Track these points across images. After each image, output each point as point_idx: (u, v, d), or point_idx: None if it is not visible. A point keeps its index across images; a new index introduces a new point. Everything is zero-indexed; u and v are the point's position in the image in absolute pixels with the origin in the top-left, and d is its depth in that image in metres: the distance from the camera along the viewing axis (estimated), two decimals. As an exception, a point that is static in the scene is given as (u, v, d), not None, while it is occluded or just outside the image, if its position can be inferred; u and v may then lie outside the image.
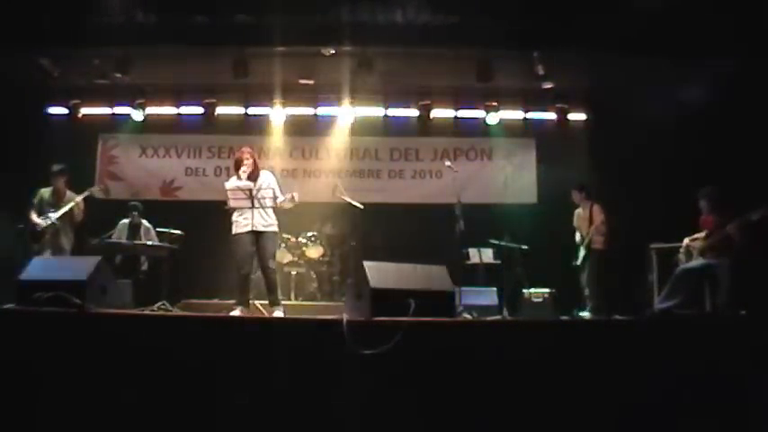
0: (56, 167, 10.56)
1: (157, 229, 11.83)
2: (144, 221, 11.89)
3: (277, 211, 9.11)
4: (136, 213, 11.88)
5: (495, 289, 11.60)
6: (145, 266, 11.62)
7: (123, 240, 11.54)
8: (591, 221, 11.23)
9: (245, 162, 8.92)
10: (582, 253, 11.29)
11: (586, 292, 11.09)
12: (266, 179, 9.02)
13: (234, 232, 8.90)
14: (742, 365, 5.92)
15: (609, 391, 5.77)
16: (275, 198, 8.92)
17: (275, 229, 9.02)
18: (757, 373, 5.87)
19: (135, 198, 12.73)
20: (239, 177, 8.90)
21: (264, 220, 8.83)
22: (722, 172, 10.36)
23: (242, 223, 8.81)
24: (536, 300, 11.51)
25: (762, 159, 10.35)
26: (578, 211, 11.54)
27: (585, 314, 10.63)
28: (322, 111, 14.50)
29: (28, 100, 13.34)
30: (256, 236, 8.81)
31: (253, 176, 8.91)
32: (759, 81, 10.36)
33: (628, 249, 11.32)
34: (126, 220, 11.85)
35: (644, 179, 12.19)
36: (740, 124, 10.92)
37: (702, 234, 9.25)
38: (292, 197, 8.97)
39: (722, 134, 11.07)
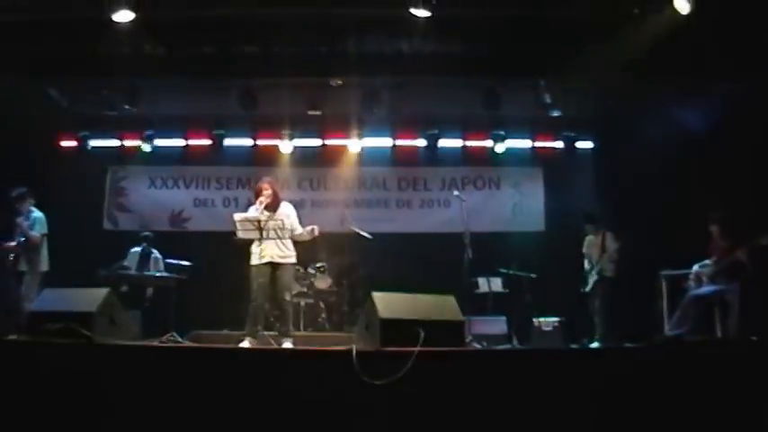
0: (15, 192, 10.13)
1: (166, 260, 11.87)
2: (155, 251, 11.98)
3: (294, 241, 9.11)
4: (147, 243, 11.94)
5: (504, 318, 11.59)
6: (150, 295, 11.64)
7: (132, 271, 11.60)
8: (603, 249, 11.21)
9: (264, 193, 8.92)
10: (592, 280, 11.26)
11: (597, 320, 11.04)
12: (285, 210, 9.04)
13: (251, 263, 8.89)
14: (755, 391, 5.89)
15: (620, 420, 5.74)
16: (291, 230, 8.92)
17: (293, 260, 9.04)
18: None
19: (144, 229, 12.76)
20: (258, 207, 8.91)
21: (282, 252, 8.83)
22: (730, 197, 10.34)
23: (259, 254, 8.81)
24: (546, 328, 11.46)
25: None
26: (590, 237, 11.52)
27: (595, 345, 10.58)
28: (330, 141, 14.56)
29: (37, 132, 13.40)
30: (273, 267, 8.80)
31: (271, 208, 8.92)
32: (765, 104, 10.35)
33: (637, 276, 11.28)
34: (137, 249, 11.95)
35: (652, 206, 12.16)
36: (747, 148, 10.90)
37: (712, 260, 9.23)
38: (312, 230, 9.01)
39: (730, 159, 11.05)
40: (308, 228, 9.02)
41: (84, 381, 5.73)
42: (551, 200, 14.37)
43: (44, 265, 10.08)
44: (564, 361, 6.42)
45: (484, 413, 5.66)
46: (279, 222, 8.79)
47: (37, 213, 10.12)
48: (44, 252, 10.11)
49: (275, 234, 8.76)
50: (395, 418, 5.55)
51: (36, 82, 11.50)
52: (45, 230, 10.11)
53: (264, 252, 8.76)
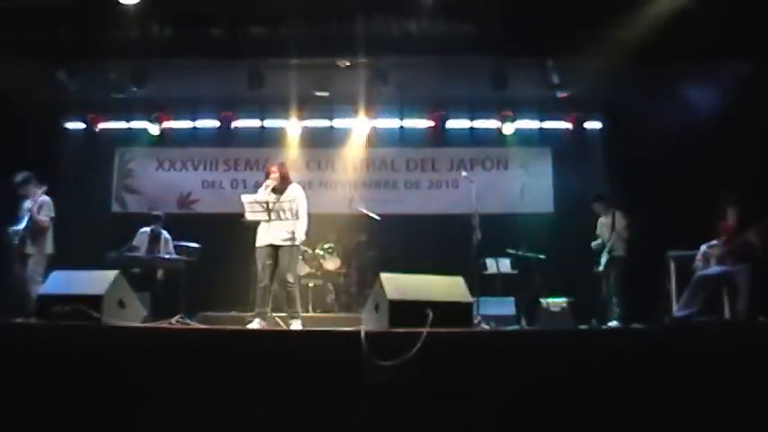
0: (18, 177, 10.05)
1: (175, 242, 11.90)
2: (164, 232, 11.98)
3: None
4: (158, 223, 11.96)
5: (512, 299, 11.58)
6: (161, 277, 11.66)
7: (142, 253, 11.63)
8: (613, 228, 11.21)
9: (271, 176, 8.91)
10: (604, 259, 11.26)
11: (614, 300, 11.02)
12: (292, 192, 9.02)
13: (257, 245, 8.89)
14: (763, 372, 5.88)
15: (629, 401, 5.75)
16: (296, 212, 8.90)
17: (295, 242, 8.93)
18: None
19: (152, 211, 12.78)
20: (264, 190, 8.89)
21: (284, 234, 8.79)
22: (739, 178, 10.30)
23: (263, 236, 8.81)
24: (554, 309, 11.43)
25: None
26: (602, 219, 11.53)
27: (614, 323, 10.57)
28: (338, 122, 14.56)
29: (45, 114, 13.42)
30: (276, 249, 8.79)
31: (278, 190, 8.90)
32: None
33: (645, 257, 11.26)
34: (147, 229, 11.95)
35: (660, 186, 12.13)
36: (757, 128, 10.85)
37: (720, 240, 9.21)
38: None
39: (739, 139, 11.01)
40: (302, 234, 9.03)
41: (93, 363, 5.75)
42: (560, 180, 14.34)
43: (49, 248, 10.08)
44: (572, 342, 6.43)
45: (492, 394, 5.67)
46: (284, 204, 8.78)
47: (44, 197, 10.12)
48: (50, 235, 10.12)
49: (279, 216, 8.76)
50: (403, 398, 5.57)
51: (44, 65, 11.47)
52: (52, 214, 10.11)
53: (269, 234, 8.77)
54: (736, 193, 9.23)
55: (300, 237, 8.94)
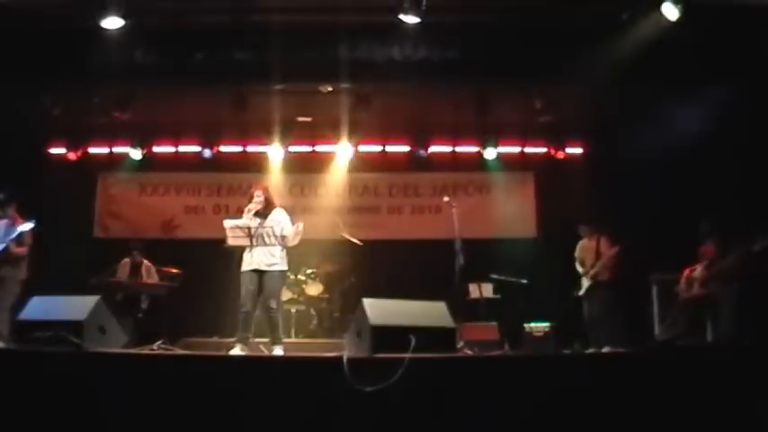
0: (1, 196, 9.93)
1: (157, 267, 11.84)
2: (144, 261, 11.91)
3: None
4: (136, 252, 11.90)
5: (495, 324, 11.55)
6: (145, 304, 11.59)
7: (123, 279, 11.57)
8: (597, 253, 11.08)
9: (255, 199, 8.87)
10: (585, 284, 11.15)
11: (603, 325, 10.85)
12: (276, 217, 8.94)
13: (241, 270, 8.83)
14: (747, 395, 5.90)
15: (612, 424, 5.74)
16: (282, 237, 8.81)
17: (280, 267, 8.84)
18: (763, 402, 5.84)
19: (134, 236, 12.72)
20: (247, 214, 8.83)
21: (269, 260, 8.72)
22: (721, 202, 10.36)
23: (247, 261, 8.75)
24: (537, 334, 11.46)
25: (761, 188, 10.32)
26: (583, 242, 11.38)
27: (606, 349, 10.37)
28: (320, 147, 14.53)
29: (27, 139, 13.36)
30: (260, 274, 8.73)
31: (261, 214, 8.86)
32: (757, 109, 10.37)
33: (627, 281, 11.26)
34: (127, 260, 11.88)
35: (642, 210, 12.15)
36: (738, 152, 10.92)
37: (702, 264, 9.24)
38: (297, 226, 8.84)
39: (721, 163, 11.07)
40: (294, 228, 8.88)
41: (74, 389, 5.71)
42: (542, 205, 14.37)
43: (23, 274, 9.95)
44: (555, 366, 6.43)
45: (475, 420, 5.65)
46: (268, 230, 8.73)
47: (22, 227, 9.94)
48: (24, 262, 9.99)
49: (263, 241, 8.71)
50: (385, 425, 5.55)
51: (27, 89, 11.43)
52: (30, 242, 10.00)
53: (253, 259, 8.71)
54: (712, 224, 9.30)
55: (298, 227, 8.80)
